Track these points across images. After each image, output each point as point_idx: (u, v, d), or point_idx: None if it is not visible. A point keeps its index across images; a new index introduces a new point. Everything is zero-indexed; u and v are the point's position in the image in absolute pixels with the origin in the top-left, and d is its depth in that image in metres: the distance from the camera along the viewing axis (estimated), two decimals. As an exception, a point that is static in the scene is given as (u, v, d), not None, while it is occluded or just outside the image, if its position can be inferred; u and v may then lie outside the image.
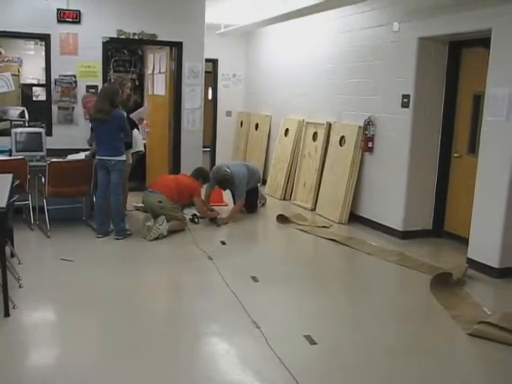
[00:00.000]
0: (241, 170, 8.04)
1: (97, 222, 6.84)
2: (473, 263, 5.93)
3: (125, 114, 6.79)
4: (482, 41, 6.16)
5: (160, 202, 6.99)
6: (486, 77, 5.85)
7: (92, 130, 6.99)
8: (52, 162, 6.73)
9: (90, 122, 7.08)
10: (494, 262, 5.78)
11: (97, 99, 6.81)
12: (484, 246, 5.91)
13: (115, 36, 8.24)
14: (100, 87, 7.79)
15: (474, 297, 5.20)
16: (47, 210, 6.83)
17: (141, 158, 8.29)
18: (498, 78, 5.69)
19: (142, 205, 7.51)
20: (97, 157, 6.70)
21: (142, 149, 8.03)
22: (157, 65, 9.54)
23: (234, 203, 8.03)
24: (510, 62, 5.55)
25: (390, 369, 3.90)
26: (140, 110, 8.31)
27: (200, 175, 7.68)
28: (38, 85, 11.28)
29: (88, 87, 8.07)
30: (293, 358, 3.87)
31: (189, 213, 7.62)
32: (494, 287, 5.68)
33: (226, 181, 7.84)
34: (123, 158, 6.70)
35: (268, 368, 3.78)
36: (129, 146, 7.12)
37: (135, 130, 7.64)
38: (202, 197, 7.79)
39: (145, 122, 9.98)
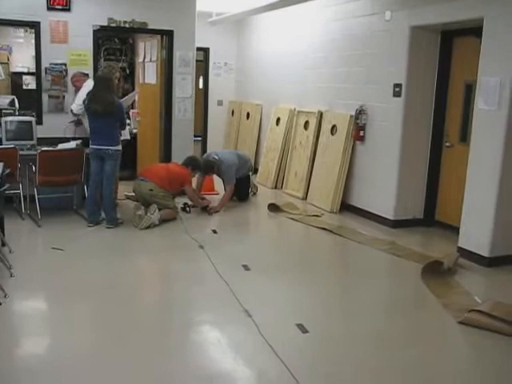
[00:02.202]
0: (230, 157, 8.06)
1: (88, 211, 6.80)
2: (463, 252, 5.96)
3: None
4: (474, 30, 6.15)
5: (151, 190, 6.97)
6: (478, 66, 5.85)
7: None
8: (42, 150, 6.69)
9: (85, 111, 6.85)
10: (484, 251, 5.81)
11: (95, 91, 6.61)
12: (475, 235, 5.93)
13: (106, 24, 8.17)
14: (91, 76, 7.73)
15: (465, 285, 5.23)
16: (38, 199, 6.80)
17: (130, 147, 8.28)
18: (490, 67, 5.69)
19: (133, 194, 7.50)
20: (92, 146, 6.64)
21: (129, 137, 8.02)
22: (148, 53, 9.48)
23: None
24: (501, 51, 5.55)
25: (381, 357, 3.92)
26: (130, 95, 8.30)
27: (191, 164, 7.66)
28: (28, 73, 11.22)
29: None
30: (285, 347, 3.88)
31: (180, 201, 7.61)
32: (485, 276, 5.71)
33: (211, 167, 7.86)
34: (119, 147, 6.69)
35: (260, 356, 3.79)
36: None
37: None
38: (194, 185, 7.78)
39: (135, 110, 9.97)
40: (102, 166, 6.64)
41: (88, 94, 6.67)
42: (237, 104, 12.04)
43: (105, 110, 6.51)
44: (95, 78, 6.96)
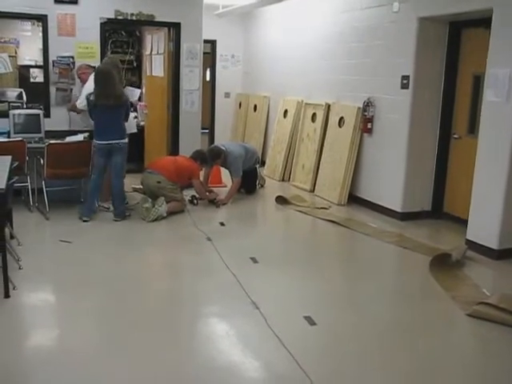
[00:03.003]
0: (237, 149, 8.05)
1: (87, 206, 6.73)
2: (472, 244, 5.94)
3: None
4: (483, 21, 6.11)
5: (159, 182, 6.97)
6: (487, 57, 5.81)
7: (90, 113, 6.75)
8: (50, 143, 6.70)
9: (91, 108, 6.65)
10: (493, 243, 5.78)
11: (103, 85, 6.46)
12: (483, 227, 5.91)
13: (113, 17, 8.17)
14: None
15: (473, 278, 5.21)
16: (46, 191, 6.82)
17: (137, 139, 8.24)
18: (499, 59, 5.65)
19: (141, 186, 7.50)
20: (100, 141, 6.55)
21: (136, 130, 8.01)
22: (155, 46, 9.48)
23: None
24: (510, 43, 5.51)
25: (388, 349, 3.92)
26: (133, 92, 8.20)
27: (199, 157, 7.65)
28: (36, 66, 11.22)
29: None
30: (292, 339, 3.89)
31: (188, 194, 7.62)
32: (493, 268, 5.69)
33: (218, 154, 7.84)
34: (127, 139, 6.70)
35: (268, 348, 3.80)
36: None
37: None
38: (201, 178, 7.78)
39: (143, 103, 9.95)
40: (106, 160, 6.62)
41: (95, 89, 6.55)
42: (244, 96, 12.03)
43: (116, 102, 6.48)
44: (99, 72, 6.64)
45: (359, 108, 7.79)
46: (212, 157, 7.86)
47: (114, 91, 6.46)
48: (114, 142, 6.54)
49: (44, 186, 6.83)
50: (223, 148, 7.92)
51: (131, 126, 7.71)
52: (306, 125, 9.23)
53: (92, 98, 6.55)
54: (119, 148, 6.58)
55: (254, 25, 11.66)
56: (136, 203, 7.17)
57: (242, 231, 6.79)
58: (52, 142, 6.76)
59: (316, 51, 9.10)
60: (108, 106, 6.47)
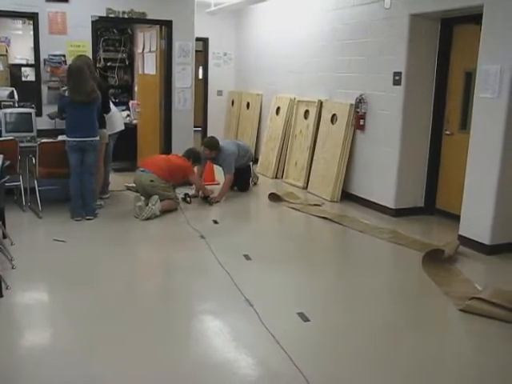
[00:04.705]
0: (230, 146, 8.06)
1: (74, 206, 6.67)
2: (464, 240, 5.97)
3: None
4: (474, 17, 6.13)
5: (152, 181, 6.96)
6: (478, 53, 5.83)
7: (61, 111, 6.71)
8: (42, 142, 6.67)
9: (63, 105, 6.60)
10: (485, 238, 5.81)
11: (74, 80, 6.45)
12: (475, 223, 5.94)
13: (104, 15, 8.15)
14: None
15: (466, 273, 5.23)
16: (38, 191, 6.80)
17: (130, 138, 8.18)
18: (490, 55, 5.67)
19: (134, 185, 7.49)
20: (74, 139, 6.47)
21: (123, 127, 7.95)
22: (147, 44, 9.46)
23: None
24: (501, 39, 5.53)
25: (382, 345, 3.93)
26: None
27: (192, 156, 7.64)
28: (27, 65, 11.17)
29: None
30: (286, 336, 3.89)
31: (181, 192, 7.61)
32: (485, 264, 5.71)
33: (215, 144, 7.85)
34: (99, 137, 6.64)
35: (261, 345, 3.80)
36: (104, 124, 7.04)
37: (114, 108, 7.59)
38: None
39: (135, 101, 9.95)
40: (81, 158, 6.55)
41: (68, 85, 6.53)
42: (237, 94, 12.02)
43: (88, 98, 6.43)
44: (71, 69, 6.61)
45: (351, 105, 7.80)
46: (211, 145, 7.85)
47: (85, 86, 6.42)
48: (87, 139, 6.48)
49: (36, 185, 6.80)
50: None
51: (119, 123, 7.69)
52: (298, 122, 9.24)
53: (67, 93, 6.52)
54: (92, 146, 6.53)
55: (246, 23, 11.65)
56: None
57: (235, 229, 6.80)
58: (44, 140, 6.73)
59: (308, 48, 9.10)
60: (81, 102, 6.41)
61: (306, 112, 9.02)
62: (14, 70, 11.40)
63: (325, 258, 5.89)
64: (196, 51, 9.10)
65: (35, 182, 6.82)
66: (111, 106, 7.40)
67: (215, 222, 6.85)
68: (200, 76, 12.60)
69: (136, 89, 10.68)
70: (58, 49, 7.86)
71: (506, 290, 4.65)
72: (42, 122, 7.55)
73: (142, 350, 3.69)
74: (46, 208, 6.78)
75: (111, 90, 10.68)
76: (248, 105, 11.42)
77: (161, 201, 6.85)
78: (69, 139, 6.50)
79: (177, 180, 7.30)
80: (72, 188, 6.63)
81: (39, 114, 7.69)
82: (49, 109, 7.78)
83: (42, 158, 6.64)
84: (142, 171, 7.11)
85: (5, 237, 5.61)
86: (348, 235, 6.59)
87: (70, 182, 6.63)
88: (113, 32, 10.97)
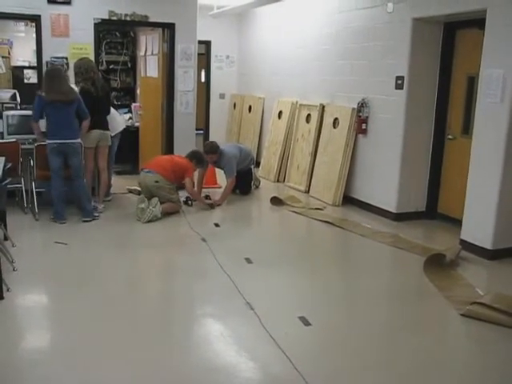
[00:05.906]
0: (231, 150, 8.05)
1: (56, 210, 6.58)
2: (466, 245, 5.95)
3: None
4: (477, 22, 6.12)
5: (157, 181, 6.94)
6: (481, 58, 5.82)
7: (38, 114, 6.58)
8: (39, 145, 6.61)
9: (40, 106, 6.45)
10: (486, 243, 5.80)
11: (49, 83, 6.41)
12: (477, 227, 5.92)
13: (107, 17, 8.17)
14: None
15: (467, 278, 5.22)
16: (36, 192, 6.77)
17: (132, 140, 8.17)
18: (493, 60, 5.66)
19: (136, 187, 7.48)
20: (54, 141, 6.39)
21: (124, 126, 7.94)
22: (149, 47, 9.47)
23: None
24: (505, 43, 5.52)
25: (383, 349, 3.92)
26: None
27: (195, 158, 7.61)
28: (30, 67, 11.20)
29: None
30: (287, 339, 3.89)
31: (183, 195, 7.60)
32: (487, 268, 5.70)
33: (215, 149, 7.81)
34: (80, 139, 6.57)
35: (262, 349, 3.79)
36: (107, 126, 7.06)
37: (113, 109, 7.58)
38: (195, 179, 7.75)
39: (137, 104, 9.95)
40: (63, 161, 6.49)
41: (44, 87, 6.48)
42: (239, 97, 12.02)
43: (66, 98, 6.39)
44: (46, 73, 6.72)
45: (354, 109, 7.79)
46: (211, 149, 7.83)
47: (62, 87, 6.40)
48: (68, 141, 6.41)
49: (34, 187, 6.77)
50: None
51: (120, 124, 7.69)
52: (300, 126, 9.23)
53: (44, 94, 6.42)
54: (73, 148, 6.46)
55: (249, 26, 11.65)
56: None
57: (236, 232, 6.79)
58: (40, 143, 6.63)
59: (311, 52, 9.10)
60: (59, 102, 6.35)
61: (308, 116, 9.01)
62: (17, 72, 11.44)
63: (326, 262, 5.88)
64: (198, 54, 9.11)
65: (33, 183, 6.76)
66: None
67: (217, 225, 6.84)
68: (202, 79, 12.60)
69: (138, 91, 10.69)
70: (61, 51, 7.88)
71: (507, 295, 4.64)
72: (44, 124, 7.51)
73: (142, 353, 3.68)
74: (48, 210, 6.76)
75: (113, 93, 10.70)
76: (250, 108, 11.42)
77: (162, 203, 6.84)
78: (49, 141, 6.43)
79: (179, 181, 7.28)
80: (54, 192, 6.55)
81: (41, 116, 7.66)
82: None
83: (40, 161, 6.61)
84: (147, 172, 7.08)
85: (6, 239, 5.62)
86: (349, 239, 6.57)
87: (52, 185, 6.54)
88: (115, 35, 11.00)
